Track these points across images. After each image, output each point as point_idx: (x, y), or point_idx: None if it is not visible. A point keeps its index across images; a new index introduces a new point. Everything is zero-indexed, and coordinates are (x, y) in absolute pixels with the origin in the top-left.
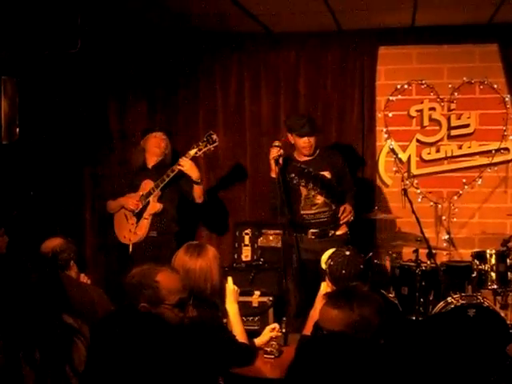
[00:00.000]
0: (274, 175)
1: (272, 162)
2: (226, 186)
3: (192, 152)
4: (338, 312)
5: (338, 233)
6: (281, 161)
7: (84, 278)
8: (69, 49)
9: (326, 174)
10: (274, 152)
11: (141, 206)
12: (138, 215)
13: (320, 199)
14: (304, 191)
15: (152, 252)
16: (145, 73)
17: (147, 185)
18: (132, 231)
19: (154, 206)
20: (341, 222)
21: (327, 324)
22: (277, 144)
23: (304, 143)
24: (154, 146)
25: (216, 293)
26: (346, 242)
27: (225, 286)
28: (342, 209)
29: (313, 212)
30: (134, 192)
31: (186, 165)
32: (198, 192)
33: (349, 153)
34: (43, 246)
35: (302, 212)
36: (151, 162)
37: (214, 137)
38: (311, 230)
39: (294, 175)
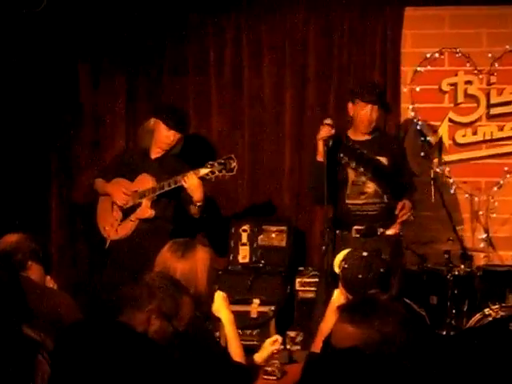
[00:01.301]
0: (320, 158)
1: (320, 143)
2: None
3: (203, 172)
4: (355, 329)
5: (388, 232)
6: (331, 142)
7: (50, 282)
8: (32, 7)
9: (383, 160)
10: (325, 131)
11: (130, 204)
12: (126, 211)
13: (371, 187)
14: (352, 175)
15: (139, 253)
16: (124, 37)
17: (144, 181)
18: (114, 227)
19: (145, 212)
20: (398, 220)
21: (342, 343)
22: (328, 122)
23: (365, 113)
24: (163, 142)
25: (201, 302)
26: (398, 245)
27: (213, 296)
28: (400, 205)
29: (360, 202)
30: (128, 180)
31: (191, 184)
32: (194, 211)
33: None
34: None
35: (347, 201)
36: (154, 152)
37: (234, 164)
38: (355, 227)
39: (343, 155)
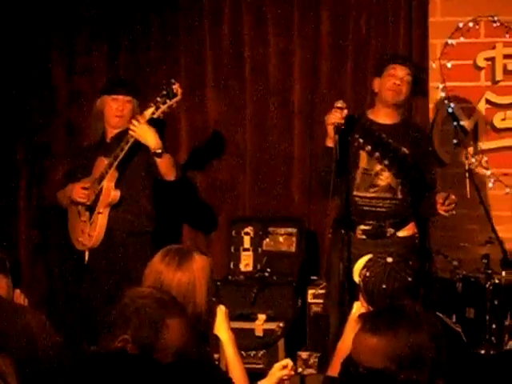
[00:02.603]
0: (331, 144)
1: (330, 129)
2: (217, 166)
3: (148, 112)
4: (378, 340)
5: (400, 234)
6: (342, 127)
7: (20, 297)
8: None
9: (404, 150)
10: (336, 116)
11: (93, 197)
12: (92, 209)
13: (384, 179)
14: (364, 161)
15: (116, 263)
16: (103, 6)
17: (101, 164)
18: (85, 232)
19: (108, 195)
20: (441, 212)
21: (363, 357)
22: (339, 105)
23: (394, 79)
24: (114, 115)
25: (201, 319)
26: (414, 249)
27: (215, 310)
28: (443, 195)
29: (369, 196)
30: (89, 176)
31: (137, 129)
32: (162, 166)
33: None
34: None
35: (354, 193)
36: (110, 133)
37: (176, 87)
38: (361, 227)
39: (357, 136)
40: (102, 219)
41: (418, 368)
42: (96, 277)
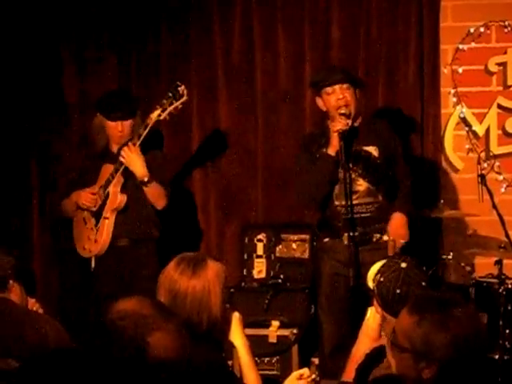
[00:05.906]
0: (332, 152)
1: (335, 136)
2: (229, 173)
3: (154, 115)
4: (407, 319)
5: (386, 237)
6: (345, 134)
7: (34, 305)
8: None
9: (372, 150)
10: (341, 123)
11: (100, 202)
12: (98, 215)
13: (362, 185)
14: (340, 172)
15: (123, 270)
16: (113, 15)
17: (107, 171)
18: (91, 238)
19: (115, 200)
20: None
21: (396, 330)
22: (344, 111)
23: (337, 97)
24: (117, 135)
25: (216, 327)
26: (399, 251)
27: (230, 318)
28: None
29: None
30: (95, 183)
31: (127, 158)
32: (150, 195)
33: (402, 124)
34: None
35: (335, 203)
36: (114, 146)
37: (181, 89)
38: (347, 233)
39: (325, 150)
40: (108, 225)
41: (428, 361)
42: (102, 284)
